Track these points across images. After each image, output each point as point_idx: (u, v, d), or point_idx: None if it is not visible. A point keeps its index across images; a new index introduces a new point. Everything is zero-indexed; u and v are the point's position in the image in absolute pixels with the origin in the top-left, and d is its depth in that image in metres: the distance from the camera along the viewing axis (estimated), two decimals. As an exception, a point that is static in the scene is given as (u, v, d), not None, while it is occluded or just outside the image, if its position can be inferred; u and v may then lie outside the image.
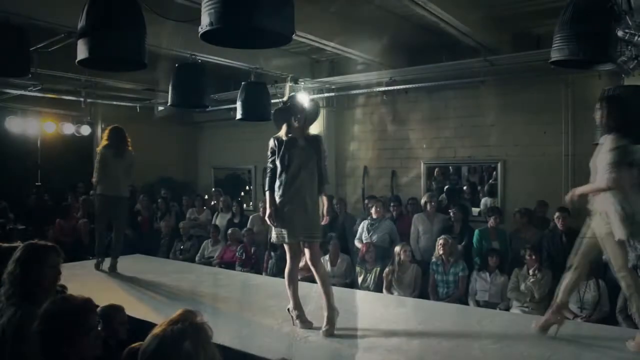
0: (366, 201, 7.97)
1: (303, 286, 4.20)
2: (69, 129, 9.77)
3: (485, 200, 7.87)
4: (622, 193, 3.39)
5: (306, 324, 3.98)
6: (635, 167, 3.51)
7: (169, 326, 1.67)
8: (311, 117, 4.12)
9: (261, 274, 7.09)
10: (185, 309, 1.78)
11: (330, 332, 3.78)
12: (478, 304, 5.66)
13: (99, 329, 2.09)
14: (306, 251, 3.90)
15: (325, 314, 3.85)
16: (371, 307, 4.65)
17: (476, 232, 6.38)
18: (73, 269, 5.83)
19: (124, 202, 6.42)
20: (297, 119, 3.95)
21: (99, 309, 2.78)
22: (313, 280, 4.44)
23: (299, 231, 3.88)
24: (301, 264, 4.40)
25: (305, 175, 3.86)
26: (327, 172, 4.11)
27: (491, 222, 6.36)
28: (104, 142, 6.26)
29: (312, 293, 4.68)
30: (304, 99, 6.54)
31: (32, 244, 2.62)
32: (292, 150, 3.92)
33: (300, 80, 8.21)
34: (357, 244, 6.87)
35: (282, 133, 4.00)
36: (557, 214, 5.88)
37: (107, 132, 6.36)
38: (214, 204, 9.65)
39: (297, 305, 4.03)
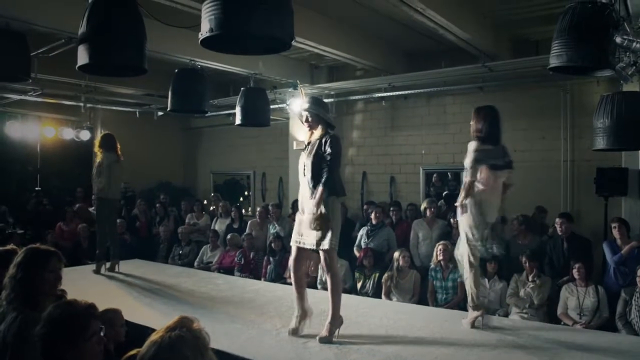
0: (365, 207, 7.98)
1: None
2: (68, 133, 9.79)
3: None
4: (481, 192, 3.99)
5: (293, 330, 3.92)
6: (498, 172, 4.06)
7: (166, 333, 1.67)
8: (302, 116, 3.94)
9: (260, 279, 7.08)
10: (182, 315, 1.78)
11: (325, 340, 3.74)
12: (477, 309, 5.64)
13: (102, 334, 2.09)
14: (320, 256, 3.85)
15: (327, 320, 3.82)
16: (370, 313, 4.64)
17: (476, 237, 6.36)
18: (72, 274, 5.83)
19: (118, 205, 6.76)
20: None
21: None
22: (312, 286, 4.43)
23: (298, 236, 3.87)
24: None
25: (305, 180, 3.81)
26: (326, 172, 3.66)
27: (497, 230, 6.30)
28: (102, 149, 6.31)
29: (310, 298, 4.69)
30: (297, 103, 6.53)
31: (34, 248, 2.63)
32: (301, 157, 3.93)
33: (299, 86, 8.22)
34: (356, 251, 6.87)
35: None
36: (557, 219, 5.89)
37: (103, 138, 6.46)
38: (213, 209, 9.65)
39: (297, 308, 3.97)
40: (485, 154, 4.00)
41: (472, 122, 4.20)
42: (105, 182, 6.22)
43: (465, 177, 4.06)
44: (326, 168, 3.69)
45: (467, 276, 4.17)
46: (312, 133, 3.86)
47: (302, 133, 3.98)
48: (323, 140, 3.77)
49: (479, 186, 4.03)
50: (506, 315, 5.40)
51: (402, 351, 3.64)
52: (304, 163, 3.83)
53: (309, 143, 3.88)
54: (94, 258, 6.50)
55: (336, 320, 3.82)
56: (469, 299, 4.19)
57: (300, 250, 3.92)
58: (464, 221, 4.10)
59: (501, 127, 4.18)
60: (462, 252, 4.18)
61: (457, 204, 4.13)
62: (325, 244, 3.71)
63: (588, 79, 6.30)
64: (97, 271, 6.27)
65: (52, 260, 2.58)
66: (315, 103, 3.94)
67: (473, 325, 4.16)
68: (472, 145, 4.06)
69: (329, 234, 3.69)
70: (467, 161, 4.02)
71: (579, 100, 6.91)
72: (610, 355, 3.57)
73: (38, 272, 2.50)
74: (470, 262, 4.12)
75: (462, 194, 4.07)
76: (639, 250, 5.27)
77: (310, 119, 3.83)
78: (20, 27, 5.06)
